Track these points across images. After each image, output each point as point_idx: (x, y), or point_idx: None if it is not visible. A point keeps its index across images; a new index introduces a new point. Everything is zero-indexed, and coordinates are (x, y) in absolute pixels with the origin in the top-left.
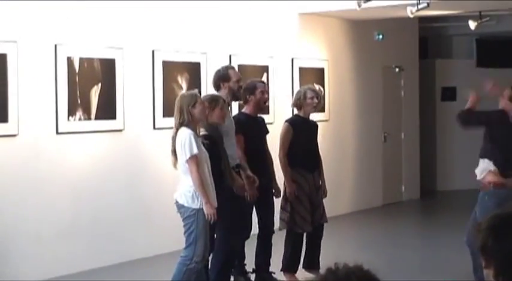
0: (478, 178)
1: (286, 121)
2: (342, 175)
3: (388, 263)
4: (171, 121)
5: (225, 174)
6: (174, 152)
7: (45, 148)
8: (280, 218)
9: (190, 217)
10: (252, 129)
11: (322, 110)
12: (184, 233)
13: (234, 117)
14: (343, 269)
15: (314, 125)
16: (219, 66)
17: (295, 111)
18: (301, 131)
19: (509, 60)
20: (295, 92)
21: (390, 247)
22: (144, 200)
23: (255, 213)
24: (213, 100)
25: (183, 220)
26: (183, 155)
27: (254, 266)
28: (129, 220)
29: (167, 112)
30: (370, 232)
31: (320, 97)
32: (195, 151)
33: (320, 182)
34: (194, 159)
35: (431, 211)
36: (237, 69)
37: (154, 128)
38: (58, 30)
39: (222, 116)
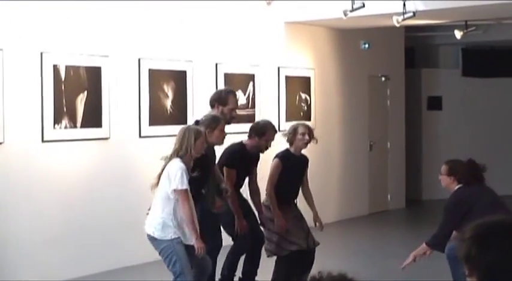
0: None
1: (277, 156)
2: (328, 183)
3: (374, 272)
4: (157, 130)
5: (207, 198)
6: (159, 176)
7: (31, 156)
8: (266, 249)
9: (168, 248)
10: (243, 163)
11: (308, 119)
12: (168, 266)
13: (231, 145)
14: (327, 278)
15: (304, 161)
16: (205, 75)
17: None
18: (289, 167)
19: (495, 70)
20: (281, 103)
21: (376, 255)
22: (131, 208)
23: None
24: (214, 121)
25: (160, 254)
26: (172, 184)
27: (241, 275)
28: (116, 228)
29: (153, 120)
30: (355, 240)
31: (313, 135)
32: (186, 186)
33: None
34: (186, 193)
35: (416, 220)
36: (223, 78)
37: (140, 136)
38: (44, 38)
39: (222, 137)
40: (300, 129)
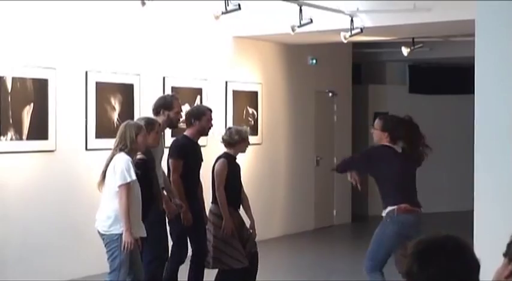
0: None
1: (222, 157)
2: (274, 198)
3: None
4: (103, 142)
5: (157, 198)
6: (104, 173)
7: None
8: (213, 258)
9: (113, 242)
10: (191, 153)
11: (255, 133)
12: (108, 258)
13: (177, 139)
14: None
15: (239, 166)
16: (153, 89)
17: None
18: (232, 169)
19: (441, 87)
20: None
21: (320, 271)
22: (75, 221)
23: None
24: (149, 124)
25: (105, 246)
26: (117, 179)
27: None
28: (59, 240)
29: (100, 133)
30: (301, 255)
31: (247, 136)
32: (129, 179)
33: (245, 220)
34: (127, 187)
35: (362, 236)
36: (170, 91)
37: (86, 149)
38: None
39: (157, 140)
40: (247, 134)
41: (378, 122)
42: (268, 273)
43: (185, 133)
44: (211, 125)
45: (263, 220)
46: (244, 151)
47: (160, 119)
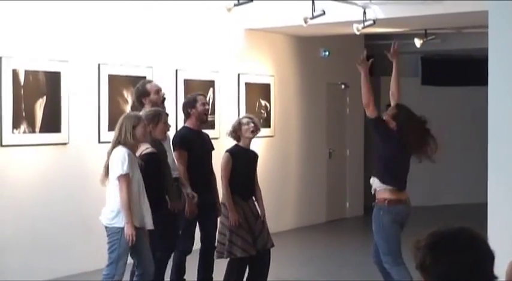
0: (372, 192)
1: (227, 151)
2: (286, 190)
3: (330, 280)
4: None
5: (169, 191)
6: (106, 167)
7: None
8: (218, 252)
9: (114, 235)
10: (195, 143)
11: (268, 125)
12: (108, 250)
13: (177, 131)
14: None
15: (253, 155)
16: (165, 81)
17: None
18: (240, 161)
19: (454, 79)
20: (241, 109)
21: (333, 263)
22: (87, 214)
23: (198, 229)
24: (155, 115)
25: (107, 237)
26: (114, 171)
27: None
28: (71, 234)
29: (112, 126)
30: (313, 248)
31: (257, 123)
32: (126, 170)
33: (259, 211)
34: (125, 178)
35: None
36: (182, 84)
37: (99, 141)
38: (3, 42)
39: (165, 131)
40: (244, 120)
41: (391, 109)
42: (280, 266)
43: (186, 124)
44: (208, 109)
45: (275, 212)
46: (250, 136)
47: (147, 108)
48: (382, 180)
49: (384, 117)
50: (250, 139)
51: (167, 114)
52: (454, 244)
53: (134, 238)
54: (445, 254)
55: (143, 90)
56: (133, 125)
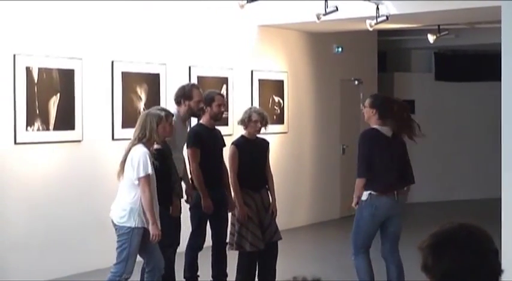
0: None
1: (233, 143)
2: (300, 186)
3: (345, 275)
4: (130, 132)
5: (175, 188)
6: (123, 163)
7: (3, 158)
8: (229, 243)
9: (124, 234)
10: (208, 141)
11: (281, 122)
12: (117, 249)
13: (191, 128)
14: None
15: (262, 144)
16: (178, 78)
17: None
18: (246, 152)
19: (467, 74)
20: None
21: (347, 259)
22: (101, 211)
23: (209, 225)
24: (167, 115)
25: (117, 235)
26: (136, 172)
27: (211, 278)
28: (85, 231)
29: (126, 123)
30: (326, 244)
31: (266, 122)
32: (150, 171)
33: (270, 201)
34: (148, 179)
35: None
36: (196, 80)
37: (113, 139)
38: (17, 40)
39: (171, 131)
40: (254, 117)
41: (367, 100)
42: (293, 261)
43: (200, 121)
44: (223, 110)
45: (289, 208)
46: (254, 131)
47: (182, 109)
48: (370, 186)
49: (364, 111)
50: (254, 133)
51: (172, 115)
52: (453, 243)
53: (160, 238)
54: (445, 253)
55: (188, 93)
56: (157, 123)
